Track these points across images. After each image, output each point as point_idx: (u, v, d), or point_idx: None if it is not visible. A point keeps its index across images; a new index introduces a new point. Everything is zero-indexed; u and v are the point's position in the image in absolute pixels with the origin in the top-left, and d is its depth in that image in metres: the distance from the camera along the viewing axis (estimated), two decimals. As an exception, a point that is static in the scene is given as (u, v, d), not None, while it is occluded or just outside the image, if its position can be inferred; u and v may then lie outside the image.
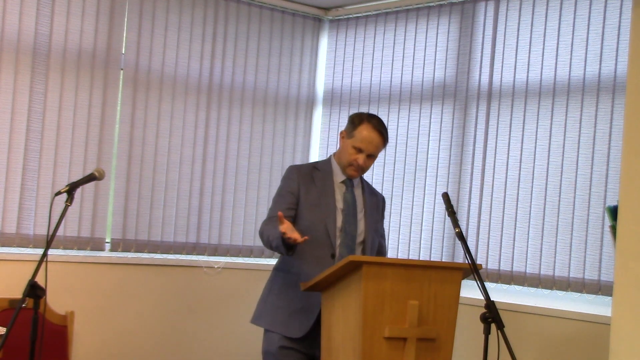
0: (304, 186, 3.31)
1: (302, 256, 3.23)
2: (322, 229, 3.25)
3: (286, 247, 3.04)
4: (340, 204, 3.32)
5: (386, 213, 4.82)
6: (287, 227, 2.94)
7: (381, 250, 3.53)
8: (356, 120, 3.33)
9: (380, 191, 4.90)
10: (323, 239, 3.24)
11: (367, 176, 4.96)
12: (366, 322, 2.79)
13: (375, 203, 3.50)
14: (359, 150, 3.29)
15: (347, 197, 3.35)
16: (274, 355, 3.26)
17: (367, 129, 3.29)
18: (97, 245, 4.49)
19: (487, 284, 3.89)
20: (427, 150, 4.71)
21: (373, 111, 4.98)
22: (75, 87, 4.39)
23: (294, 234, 2.93)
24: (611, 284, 3.38)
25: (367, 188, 3.51)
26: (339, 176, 3.38)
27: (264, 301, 3.36)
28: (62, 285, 4.25)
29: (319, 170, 3.38)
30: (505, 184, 4.34)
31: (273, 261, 4.43)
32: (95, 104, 4.46)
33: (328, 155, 3.64)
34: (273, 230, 3.11)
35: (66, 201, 2.94)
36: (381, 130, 3.31)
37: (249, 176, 5.01)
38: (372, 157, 3.33)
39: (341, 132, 3.38)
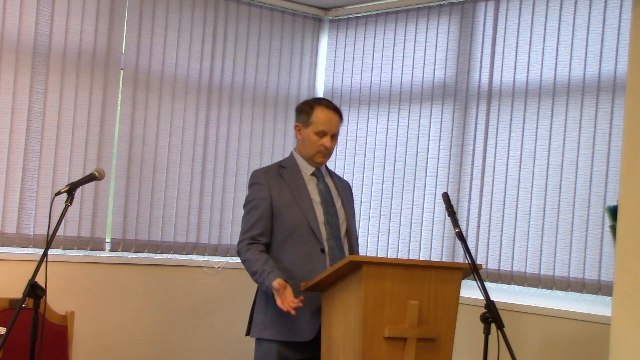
0: (274, 188, 3.26)
1: (292, 258, 3.19)
2: (305, 226, 3.20)
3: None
4: (316, 197, 3.27)
5: (386, 213, 4.86)
6: (285, 296, 2.93)
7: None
8: (307, 108, 3.31)
9: (380, 191, 4.93)
10: (309, 236, 3.19)
11: (368, 175, 4.99)
12: (366, 322, 2.79)
13: (347, 189, 3.48)
14: (323, 134, 3.26)
15: (321, 188, 3.31)
16: None
17: (323, 111, 3.27)
18: (97, 245, 4.49)
19: (487, 284, 3.88)
20: (427, 150, 4.70)
21: (373, 111, 5.01)
22: (75, 87, 4.39)
23: (290, 298, 2.93)
24: (611, 284, 3.37)
25: (335, 175, 3.48)
26: (307, 169, 3.33)
27: (262, 313, 3.21)
28: (62, 285, 4.25)
29: (286, 167, 3.33)
30: (505, 184, 4.34)
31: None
32: (95, 104, 4.46)
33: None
34: (262, 269, 3.06)
35: (66, 201, 2.94)
36: (335, 108, 3.33)
37: (249, 176, 4.98)
38: (335, 137, 3.31)
39: (295, 126, 3.34)
